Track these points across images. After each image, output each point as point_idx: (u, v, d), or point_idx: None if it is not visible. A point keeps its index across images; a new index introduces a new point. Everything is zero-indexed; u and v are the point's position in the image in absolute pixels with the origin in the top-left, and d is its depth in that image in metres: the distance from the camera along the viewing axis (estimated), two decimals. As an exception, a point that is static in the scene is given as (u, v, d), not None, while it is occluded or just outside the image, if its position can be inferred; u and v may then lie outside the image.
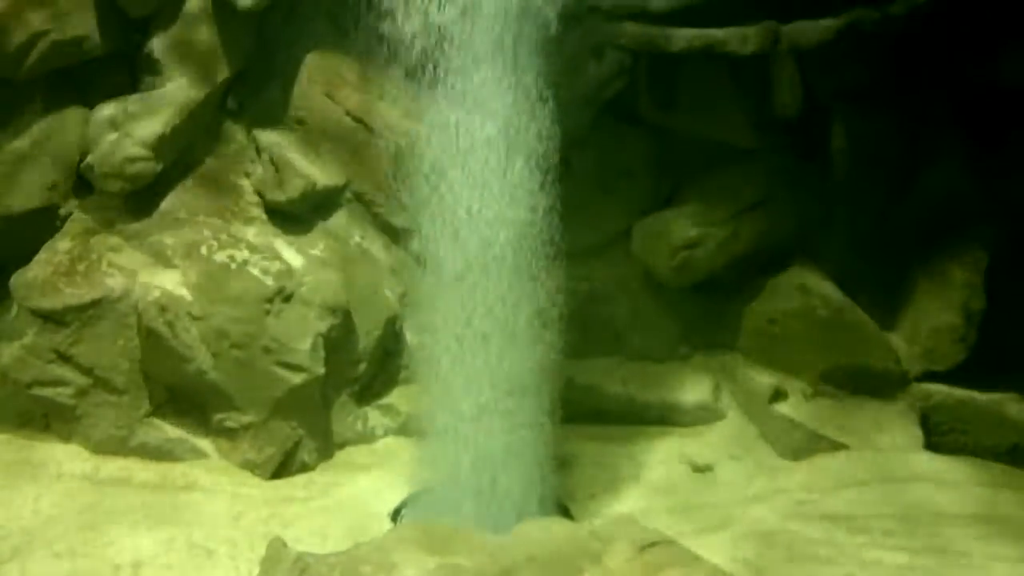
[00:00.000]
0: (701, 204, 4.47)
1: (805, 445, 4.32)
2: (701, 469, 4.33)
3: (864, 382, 4.48)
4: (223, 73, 4.38)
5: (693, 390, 4.59)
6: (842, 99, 4.35)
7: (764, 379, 4.53)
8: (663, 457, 4.40)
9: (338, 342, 4.28)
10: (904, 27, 4.02)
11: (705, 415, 4.54)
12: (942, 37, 4.13)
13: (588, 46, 4.05)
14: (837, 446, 4.30)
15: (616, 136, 4.44)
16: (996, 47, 4.27)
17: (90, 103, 4.33)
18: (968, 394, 4.44)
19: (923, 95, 4.35)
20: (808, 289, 4.51)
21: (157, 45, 4.31)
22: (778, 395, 4.48)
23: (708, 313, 4.67)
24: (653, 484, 4.25)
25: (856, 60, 4.19)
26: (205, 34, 4.30)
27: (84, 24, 4.23)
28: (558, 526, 3.22)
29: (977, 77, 4.29)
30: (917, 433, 4.36)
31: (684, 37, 3.97)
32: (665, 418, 4.54)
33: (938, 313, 4.49)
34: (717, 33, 3.96)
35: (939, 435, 4.42)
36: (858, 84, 4.29)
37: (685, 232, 4.44)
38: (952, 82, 4.29)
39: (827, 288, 4.50)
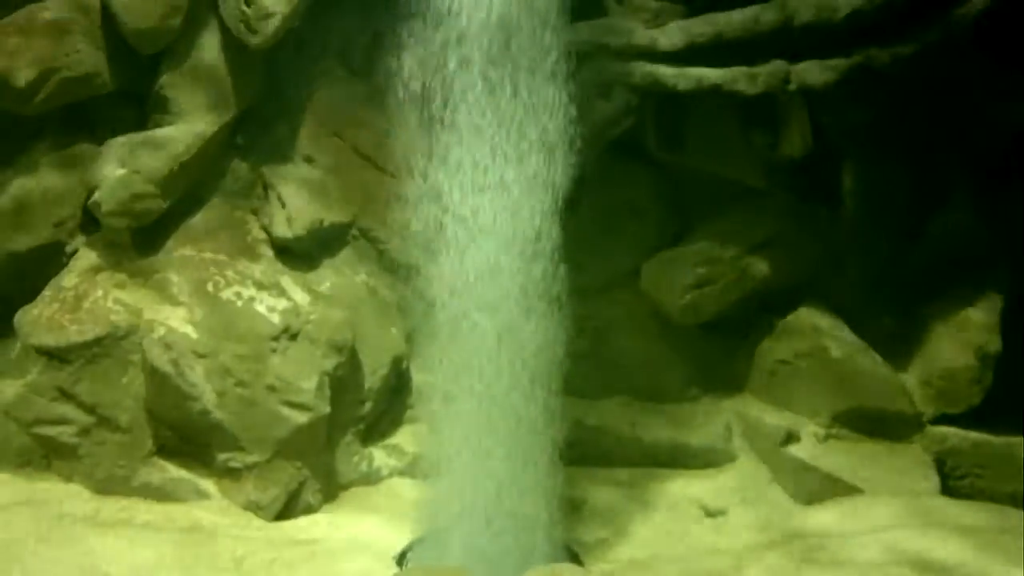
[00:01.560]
0: (710, 243, 4.46)
1: (819, 489, 4.26)
2: (713, 513, 4.28)
3: (878, 424, 4.44)
4: (232, 110, 4.39)
5: (704, 432, 4.54)
6: (852, 139, 4.34)
7: (776, 421, 4.49)
8: (674, 500, 4.34)
9: (344, 381, 4.25)
10: (913, 68, 4.03)
11: (716, 457, 4.49)
12: (952, 77, 4.14)
13: (596, 85, 4.06)
14: (852, 490, 4.23)
15: (625, 174, 4.44)
16: (1007, 88, 4.27)
17: (99, 140, 4.35)
18: (984, 437, 4.39)
19: (934, 136, 4.34)
20: (820, 329, 4.49)
21: (167, 82, 4.33)
22: (790, 437, 4.44)
23: (718, 353, 4.64)
24: (664, 528, 4.19)
25: (866, 100, 4.18)
26: (215, 72, 4.32)
27: (94, 61, 4.26)
28: (567, 573, 3.16)
29: (987, 118, 4.30)
30: (933, 477, 4.30)
31: (692, 77, 3.98)
32: (675, 460, 4.49)
33: (952, 355, 4.46)
34: (726, 73, 3.97)
35: (955, 479, 4.37)
36: (868, 124, 4.28)
37: (694, 271, 4.43)
38: (963, 123, 4.29)
39: (839, 329, 4.49)
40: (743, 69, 3.95)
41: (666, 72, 3.96)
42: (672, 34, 3.94)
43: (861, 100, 4.13)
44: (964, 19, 4.00)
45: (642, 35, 3.95)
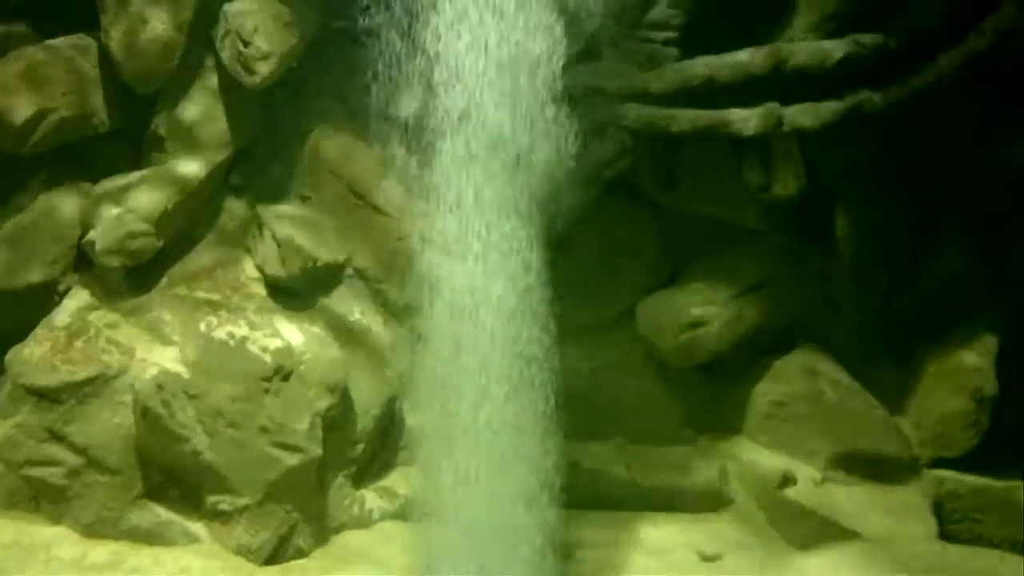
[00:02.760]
0: (705, 284, 4.46)
1: (816, 533, 4.22)
2: (709, 558, 4.22)
3: (875, 468, 4.41)
4: (228, 149, 4.41)
5: (700, 475, 4.50)
6: (845, 181, 4.36)
7: (772, 464, 4.46)
8: (670, 544, 4.28)
9: (336, 422, 4.22)
10: (906, 110, 4.05)
11: (712, 501, 4.45)
12: (945, 120, 4.16)
13: (592, 126, 4.07)
14: (849, 535, 4.19)
15: (619, 215, 4.44)
16: (1000, 131, 4.30)
17: (94, 179, 4.36)
18: (982, 481, 4.37)
19: (927, 177, 4.36)
20: (815, 371, 4.49)
21: (163, 122, 4.36)
22: (787, 480, 4.40)
23: (714, 394, 4.62)
24: (659, 573, 4.13)
25: (859, 142, 4.20)
26: (211, 111, 4.34)
27: (91, 101, 4.29)
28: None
29: (981, 161, 4.33)
30: (931, 521, 4.26)
31: (686, 118, 3.98)
32: (671, 503, 4.45)
33: (948, 398, 4.44)
34: (719, 114, 3.97)
35: (953, 523, 4.33)
36: (861, 166, 4.31)
37: (690, 312, 4.42)
38: (956, 165, 4.31)
39: (835, 370, 4.48)
40: (736, 111, 3.95)
41: (660, 114, 3.97)
42: (666, 77, 3.95)
43: (855, 142, 4.15)
44: (954, 63, 4.06)
45: (636, 78, 3.96)
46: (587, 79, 3.98)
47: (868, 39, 3.94)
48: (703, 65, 3.95)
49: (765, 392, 4.54)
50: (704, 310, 4.42)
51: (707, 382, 4.60)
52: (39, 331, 4.27)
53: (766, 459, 4.49)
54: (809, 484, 4.41)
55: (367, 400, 4.35)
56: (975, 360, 4.42)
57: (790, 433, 4.50)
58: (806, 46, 3.96)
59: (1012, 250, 4.41)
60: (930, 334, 4.48)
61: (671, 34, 3.97)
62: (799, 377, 4.50)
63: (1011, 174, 4.27)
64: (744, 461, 4.53)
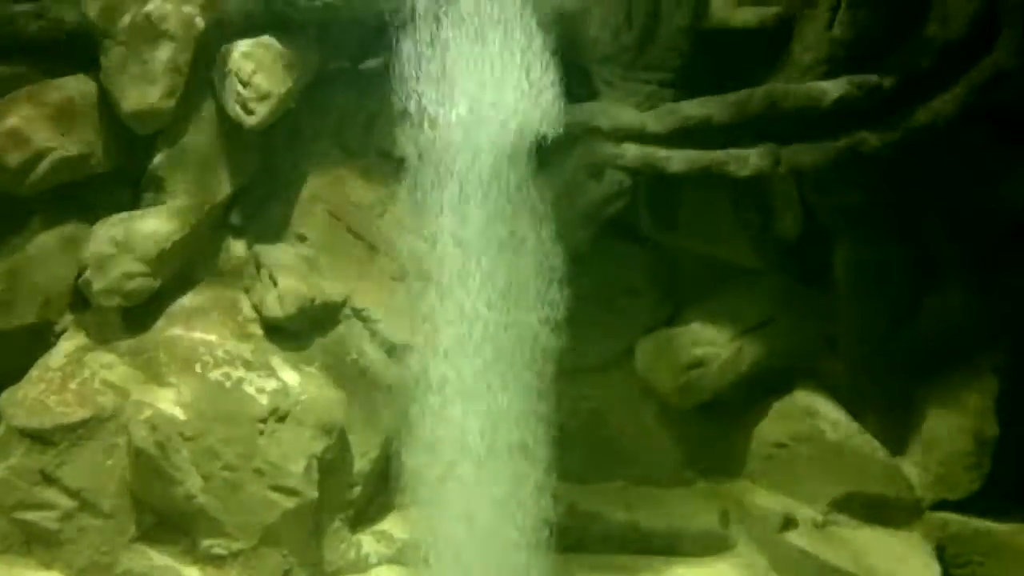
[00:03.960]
0: (705, 324, 4.45)
1: (818, 577, 4.21)
2: (710, 603, 4.20)
3: (877, 510, 4.39)
4: (226, 189, 4.40)
5: (700, 517, 4.46)
6: (843, 221, 4.36)
7: (773, 506, 4.43)
8: (670, 589, 4.27)
9: (332, 464, 4.19)
10: (903, 151, 4.07)
11: (713, 544, 4.40)
12: (942, 160, 4.18)
13: (588, 166, 4.09)
14: (852, 579, 4.19)
15: (618, 254, 4.44)
16: (998, 170, 4.32)
17: (91, 219, 4.34)
18: (985, 524, 4.34)
19: (926, 217, 4.37)
20: (816, 412, 4.46)
21: (161, 162, 4.33)
22: (788, 523, 4.37)
23: (714, 435, 4.59)
24: (660, 618, 4.11)
25: (856, 182, 4.21)
26: (210, 151, 4.33)
27: (89, 142, 4.28)
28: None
29: (979, 200, 4.34)
30: (934, 565, 4.23)
31: (683, 158, 3.99)
32: (672, 547, 4.40)
33: (950, 439, 4.42)
34: (716, 155, 3.99)
35: (956, 567, 4.31)
36: (859, 205, 4.30)
37: (689, 352, 4.41)
38: (954, 204, 4.32)
39: (835, 411, 4.46)
40: (733, 151, 3.97)
41: (657, 153, 3.98)
42: (662, 117, 3.97)
43: (852, 181, 4.16)
44: (951, 104, 4.08)
45: (633, 117, 3.98)
46: (583, 118, 4.03)
47: (863, 80, 3.98)
48: (700, 105, 3.98)
49: (766, 433, 4.52)
50: (704, 350, 4.41)
51: (707, 423, 4.57)
52: (34, 372, 4.25)
53: (767, 501, 4.46)
54: (811, 527, 4.37)
55: (364, 442, 4.32)
56: (976, 401, 4.41)
57: (791, 475, 4.48)
58: (802, 87, 3.99)
59: (1011, 290, 4.41)
60: (930, 375, 4.46)
61: (668, 75, 4.00)
62: (799, 418, 4.47)
63: (1009, 213, 4.29)
64: (745, 504, 4.49)
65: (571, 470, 4.12)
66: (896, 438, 4.49)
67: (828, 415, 4.45)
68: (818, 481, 4.44)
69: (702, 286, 4.54)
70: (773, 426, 4.51)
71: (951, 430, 4.42)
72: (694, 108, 3.98)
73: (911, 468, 4.44)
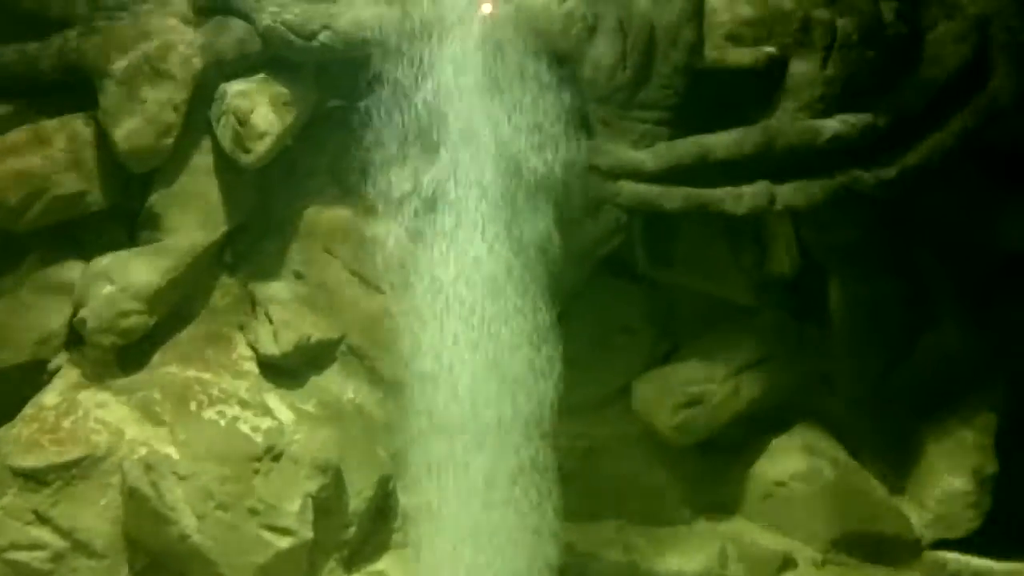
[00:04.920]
0: (701, 361, 4.42)
1: (818, 618, 4.18)
2: (709, 645, 4.16)
3: (876, 549, 4.36)
4: (223, 227, 4.40)
5: (698, 557, 4.40)
6: (838, 258, 4.36)
7: (772, 546, 4.40)
8: (669, 631, 4.22)
9: (328, 503, 4.16)
10: (898, 188, 4.09)
11: (712, 584, 4.40)
12: (938, 197, 4.19)
13: (584, 203, 4.09)
14: (851, 619, 4.15)
15: (614, 292, 4.44)
16: (992, 207, 4.33)
17: (87, 256, 4.35)
18: (985, 564, 4.30)
19: (921, 254, 4.39)
20: (814, 450, 4.44)
21: (157, 200, 4.35)
22: (787, 563, 4.34)
23: (712, 474, 4.56)
24: (657, 659, 4.08)
25: (852, 219, 4.22)
26: (206, 189, 4.35)
27: (86, 180, 4.29)
28: None
29: (975, 236, 4.35)
30: (934, 604, 4.22)
31: (679, 196, 3.98)
32: (669, 587, 4.40)
33: (949, 477, 4.40)
34: (712, 193, 3.98)
35: (957, 607, 4.28)
36: (854, 243, 4.31)
37: (686, 389, 4.38)
38: (949, 241, 4.34)
39: (833, 449, 4.45)
40: (729, 189, 3.97)
41: (652, 191, 3.97)
42: (658, 155, 3.95)
43: (847, 219, 4.16)
44: (946, 142, 4.10)
45: (629, 155, 3.96)
46: (580, 157, 4.05)
47: (857, 119, 4.00)
48: (695, 144, 3.98)
49: (763, 471, 4.49)
50: (700, 388, 4.38)
51: (704, 461, 4.54)
52: (27, 411, 4.24)
53: (766, 541, 4.42)
54: (810, 567, 4.35)
55: (360, 481, 4.29)
56: (975, 438, 4.40)
57: (790, 514, 4.44)
58: (796, 126, 4.01)
59: (1008, 326, 4.42)
60: (928, 412, 4.45)
61: (663, 114, 3.99)
62: (797, 456, 4.45)
63: (1005, 250, 4.30)
64: (744, 543, 4.44)
65: (568, 509, 4.09)
66: (895, 476, 4.47)
67: (826, 452, 4.44)
68: (817, 520, 4.41)
69: (698, 323, 4.53)
70: (771, 464, 4.48)
71: (950, 468, 4.40)
72: (690, 146, 3.98)
73: (910, 506, 4.42)
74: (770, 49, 4.00)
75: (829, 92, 3.99)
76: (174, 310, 4.39)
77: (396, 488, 4.40)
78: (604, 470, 4.49)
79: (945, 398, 4.43)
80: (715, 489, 4.56)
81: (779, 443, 4.49)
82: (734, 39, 3.97)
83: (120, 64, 4.17)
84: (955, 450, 4.41)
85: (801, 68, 3.98)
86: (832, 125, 3.97)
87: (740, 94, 4.04)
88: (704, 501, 4.57)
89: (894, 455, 4.48)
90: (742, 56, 4.01)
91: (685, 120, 4.01)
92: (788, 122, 3.99)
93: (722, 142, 3.97)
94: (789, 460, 4.46)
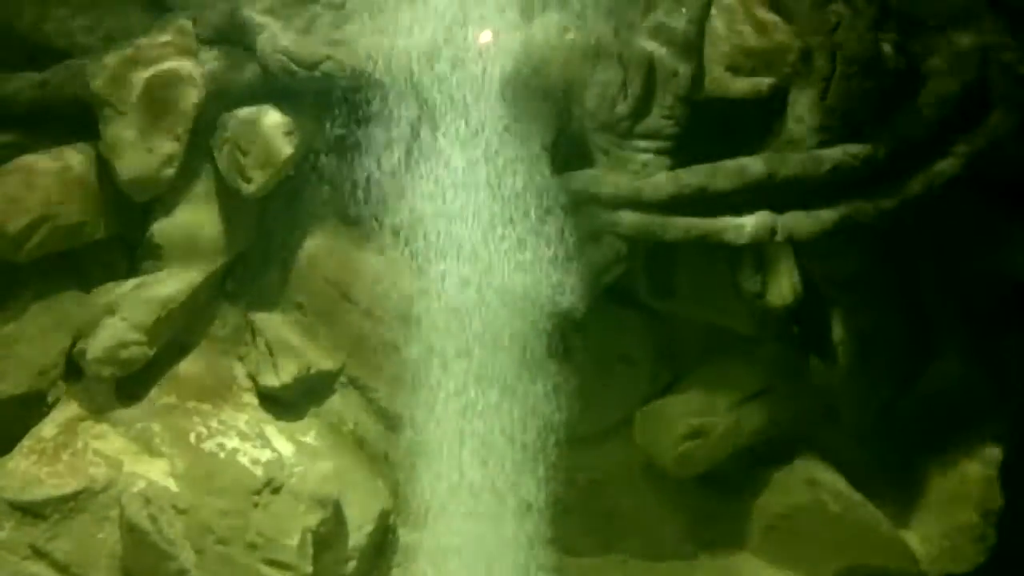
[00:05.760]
0: (704, 392, 4.40)
1: (823, 654, 4.13)
2: None
3: (881, 583, 4.33)
4: (223, 257, 4.40)
5: (702, 593, 4.41)
6: (841, 288, 4.36)
7: (776, 580, 4.38)
8: (672, 667, 4.18)
9: (327, 537, 4.12)
10: (900, 218, 4.09)
11: (715, 621, 4.35)
12: (940, 226, 4.20)
13: (587, 233, 4.09)
14: (857, 654, 4.10)
15: (615, 321, 4.42)
16: (995, 236, 4.34)
17: (87, 286, 4.36)
18: (991, 598, 4.27)
19: (924, 283, 4.39)
20: (817, 483, 4.40)
21: (159, 229, 4.35)
22: (791, 598, 4.31)
23: (714, 507, 4.51)
24: None
25: (853, 250, 4.23)
26: (207, 219, 4.35)
27: (87, 209, 4.30)
28: None
29: (978, 266, 4.35)
30: (940, 640, 4.17)
31: (680, 226, 4.00)
32: (672, 624, 4.34)
33: (954, 511, 4.38)
34: (713, 222, 4.00)
35: (963, 642, 4.22)
36: (856, 273, 4.31)
37: (688, 421, 4.34)
38: (953, 270, 4.33)
39: (837, 482, 4.40)
40: (730, 219, 3.98)
41: (654, 221, 3.99)
42: (659, 184, 3.97)
43: (849, 249, 4.16)
44: (946, 172, 4.11)
45: (630, 185, 3.98)
46: (581, 186, 4.04)
47: (858, 150, 4.02)
48: (696, 174, 3.99)
49: (766, 505, 4.45)
50: (702, 420, 4.34)
51: (707, 494, 4.50)
52: (25, 443, 4.21)
53: (769, 575, 4.39)
54: (814, 602, 4.31)
55: (360, 514, 4.25)
56: (980, 471, 4.38)
57: (793, 548, 4.40)
58: (797, 156, 4.02)
59: (1013, 357, 4.40)
60: (933, 444, 4.44)
61: (664, 144, 4.01)
62: (801, 489, 4.41)
63: (1008, 279, 4.30)
64: (747, 578, 4.45)
65: (570, 543, 4.05)
66: (899, 509, 4.43)
67: (830, 486, 4.39)
68: (821, 553, 4.37)
69: (700, 354, 4.51)
70: (774, 497, 4.45)
71: (954, 501, 4.38)
72: (691, 176, 3.99)
73: (915, 540, 4.38)
74: (770, 79, 4.03)
75: (830, 122, 4.02)
76: (174, 340, 4.39)
77: (396, 522, 4.40)
78: (605, 503, 4.47)
79: (949, 430, 4.41)
80: (717, 523, 4.52)
81: (782, 476, 4.45)
82: (734, 69, 4.01)
83: (122, 94, 4.19)
84: (960, 483, 4.38)
85: (801, 98, 4.01)
86: (833, 155, 3.99)
87: (741, 124, 4.07)
88: (706, 535, 4.52)
89: (898, 488, 4.45)
90: (742, 86, 4.04)
91: (686, 150, 4.03)
92: (789, 152, 4.03)
93: (723, 172, 3.99)
94: (792, 493, 4.42)
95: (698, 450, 4.34)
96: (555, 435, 3.94)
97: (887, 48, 4.05)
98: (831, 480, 4.40)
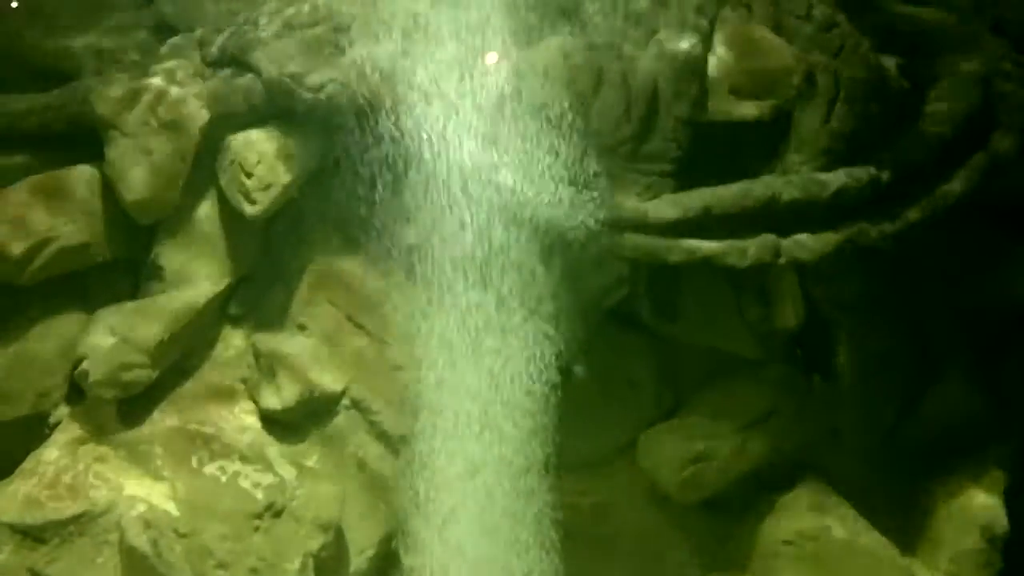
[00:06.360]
0: (708, 416, 4.38)
1: None
2: None
3: (887, 609, 4.28)
4: (227, 279, 4.39)
5: (707, 621, 4.36)
6: (844, 311, 4.36)
7: (782, 607, 4.32)
8: None
9: (329, 562, 4.09)
10: (903, 242, 4.09)
11: (720, 648, 4.29)
12: (943, 250, 4.20)
13: (590, 256, 4.09)
14: None
15: (619, 345, 4.41)
16: (1000, 261, 4.33)
17: (90, 308, 4.33)
18: (997, 624, 4.23)
19: (927, 308, 4.39)
20: (822, 507, 4.37)
21: (162, 251, 4.35)
22: (797, 625, 4.26)
23: (719, 532, 4.48)
24: None
25: (857, 273, 4.23)
26: (212, 240, 4.34)
27: (91, 231, 4.30)
28: None
29: (981, 290, 4.34)
30: (948, 667, 4.12)
31: (684, 249, 4.01)
32: (676, 648, 4.29)
33: (959, 536, 4.36)
34: (716, 246, 4.00)
35: (970, 669, 4.18)
36: (860, 296, 4.32)
37: (692, 445, 4.32)
38: (956, 294, 4.33)
39: (841, 507, 4.37)
40: (733, 242, 3.99)
41: (657, 244, 3.99)
42: (663, 207, 3.98)
43: (853, 272, 4.17)
44: (949, 196, 4.12)
45: (633, 208, 4.00)
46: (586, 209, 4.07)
47: (861, 173, 4.03)
48: (699, 196, 4.01)
49: (772, 530, 4.41)
50: (707, 444, 4.32)
51: (712, 519, 4.47)
52: (26, 465, 4.19)
53: (776, 603, 4.37)
54: (820, 627, 4.27)
55: (362, 539, 4.23)
56: (984, 498, 4.37)
57: (798, 573, 4.34)
58: (800, 179, 4.04)
59: (1017, 381, 4.39)
60: (937, 469, 4.43)
61: (668, 166, 4.03)
62: (806, 514, 4.37)
63: (1011, 303, 4.29)
64: (753, 605, 4.41)
65: (573, 568, 4.01)
66: (905, 534, 4.40)
67: (835, 510, 4.36)
68: (828, 580, 4.38)
69: (704, 377, 4.49)
70: (779, 522, 4.40)
71: (959, 526, 4.36)
72: (694, 199, 4.01)
73: (920, 566, 4.35)
74: (773, 102, 4.05)
75: (833, 145, 4.05)
76: (176, 363, 4.36)
77: (399, 546, 4.37)
78: (610, 528, 4.43)
79: (954, 455, 4.40)
80: (722, 548, 4.48)
81: (786, 501, 4.41)
82: (738, 92, 4.03)
83: (127, 116, 4.19)
84: (965, 509, 4.36)
85: (805, 121, 4.04)
86: (836, 178, 4.01)
87: (744, 147, 4.09)
88: (711, 560, 4.48)
89: (904, 513, 4.43)
90: (746, 109, 4.06)
91: (689, 173, 4.05)
92: (792, 175, 4.05)
93: (727, 195, 4.00)
94: (797, 518, 4.38)
95: (702, 474, 4.32)
96: (559, 458, 3.91)
97: (890, 71, 4.09)
98: (836, 505, 4.37)
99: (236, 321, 4.49)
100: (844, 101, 4.00)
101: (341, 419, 4.39)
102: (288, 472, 4.20)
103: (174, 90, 4.20)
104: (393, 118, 3.87)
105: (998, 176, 4.15)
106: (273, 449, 4.28)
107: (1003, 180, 4.15)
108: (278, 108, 4.23)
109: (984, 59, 4.25)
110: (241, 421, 4.34)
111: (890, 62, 4.07)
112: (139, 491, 4.09)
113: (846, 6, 4.15)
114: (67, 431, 4.27)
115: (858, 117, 4.01)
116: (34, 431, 4.29)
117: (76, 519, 4.03)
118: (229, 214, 4.30)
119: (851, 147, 4.05)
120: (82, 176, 4.32)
